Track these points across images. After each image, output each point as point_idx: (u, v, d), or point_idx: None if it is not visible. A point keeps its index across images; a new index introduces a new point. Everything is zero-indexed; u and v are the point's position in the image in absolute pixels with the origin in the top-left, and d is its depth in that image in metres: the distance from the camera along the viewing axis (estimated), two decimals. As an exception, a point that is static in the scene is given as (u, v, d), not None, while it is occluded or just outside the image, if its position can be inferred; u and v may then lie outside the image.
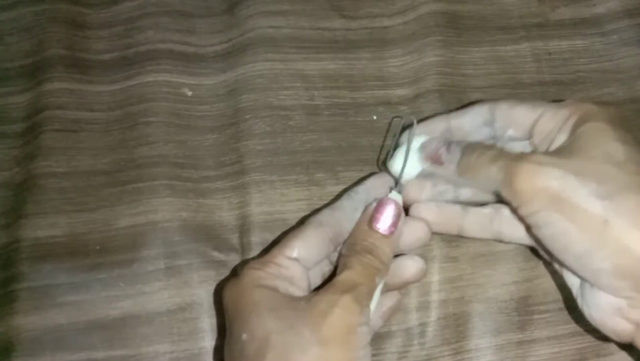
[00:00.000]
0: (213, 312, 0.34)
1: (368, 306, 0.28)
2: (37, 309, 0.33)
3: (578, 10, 0.41)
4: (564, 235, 0.26)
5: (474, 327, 0.34)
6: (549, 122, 0.29)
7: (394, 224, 0.29)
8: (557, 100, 0.32)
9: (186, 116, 0.37)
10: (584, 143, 0.27)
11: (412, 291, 0.35)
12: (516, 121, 0.31)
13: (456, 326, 0.34)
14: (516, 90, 0.39)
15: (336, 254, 0.31)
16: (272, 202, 0.35)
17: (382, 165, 0.35)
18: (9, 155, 0.37)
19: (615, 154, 0.26)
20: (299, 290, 0.28)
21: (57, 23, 0.39)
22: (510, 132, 0.31)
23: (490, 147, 0.29)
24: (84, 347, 0.33)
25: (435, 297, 0.35)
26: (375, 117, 0.38)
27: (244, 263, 0.32)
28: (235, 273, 0.30)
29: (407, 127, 0.33)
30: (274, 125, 0.37)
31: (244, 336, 0.26)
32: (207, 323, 0.34)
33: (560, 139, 0.29)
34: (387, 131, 0.37)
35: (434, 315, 0.34)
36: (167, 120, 0.37)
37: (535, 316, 0.35)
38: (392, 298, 0.32)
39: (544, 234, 0.27)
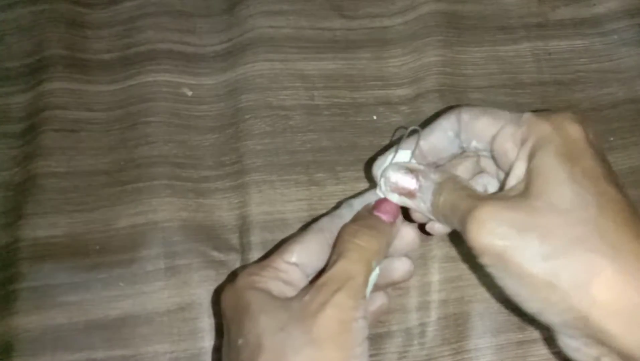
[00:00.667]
0: (213, 312, 0.34)
1: (364, 298, 0.27)
2: (37, 309, 0.33)
3: (578, 10, 0.41)
4: (515, 292, 0.26)
5: (474, 327, 0.34)
6: (506, 140, 0.28)
7: (395, 215, 0.29)
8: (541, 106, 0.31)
9: (186, 116, 0.37)
10: (532, 186, 0.26)
11: (412, 291, 0.34)
12: (478, 134, 0.29)
13: (456, 326, 0.34)
14: (516, 90, 0.39)
15: None
16: (272, 202, 0.35)
17: (367, 167, 0.35)
18: (9, 155, 0.37)
19: (560, 201, 0.25)
20: (295, 292, 0.28)
21: (57, 23, 0.39)
22: (474, 145, 0.29)
23: (451, 190, 0.27)
24: (84, 347, 0.33)
25: (435, 297, 0.35)
26: (375, 117, 0.38)
27: (243, 267, 0.32)
28: (233, 277, 0.30)
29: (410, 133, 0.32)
30: (274, 125, 0.37)
31: (240, 341, 0.26)
32: (207, 323, 0.34)
33: (519, 169, 0.27)
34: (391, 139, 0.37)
35: (434, 315, 0.34)
36: (167, 120, 0.37)
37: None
38: (380, 299, 0.31)
39: (499, 284, 0.26)
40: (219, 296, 0.29)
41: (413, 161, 0.30)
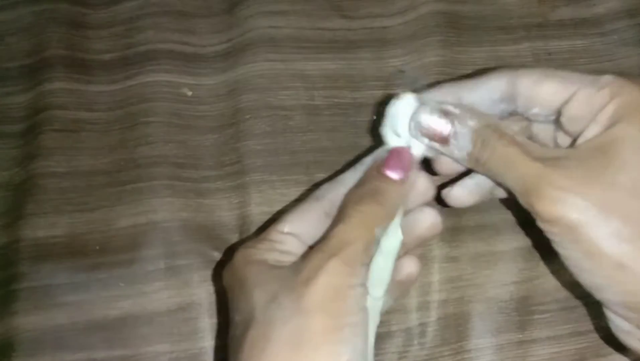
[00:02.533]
0: (213, 312, 0.34)
1: (363, 265, 0.25)
2: (37, 309, 0.33)
3: (578, 10, 0.41)
4: (578, 264, 0.25)
5: (474, 327, 0.34)
6: (583, 105, 0.25)
7: (406, 170, 0.27)
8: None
9: (186, 116, 0.37)
10: (614, 158, 0.24)
11: (412, 291, 0.34)
12: (543, 100, 0.26)
13: (456, 326, 0.34)
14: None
15: None
16: (272, 202, 0.35)
17: (373, 134, 0.34)
18: (9, 155, 0.37)
19: None
20: (293, 260, 0.26)
21: (57, 23, 0.39)
22: (535, 111, 0.27)
23: (505, 144, 0.25)
24: (84, 347, 0.33)
25: (435, 297, 0.35)
26: (375, 117, 0.38)
27: (240, 243, 0.32)
28: (231, 253, 0.29)
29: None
30: (274, 125, 0.37)
31: (236, 317, 0.25)
32: (207, 323, 0.34)
33: (593, 131, 0.25)
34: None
35: (434, 315, 0.34)
36: (167, 120, 0.37)
37: (535, 316, 0.35)
38: (408, 266, 0.29)
39: (561, 253, 0.25)
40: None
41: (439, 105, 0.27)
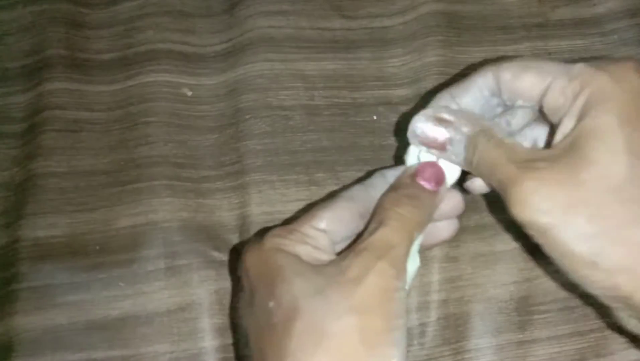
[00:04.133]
0: (213, 312, 0.34)
1: (405, 269, 0.25)
2: (37, 309, 0.33)
3: (578, 10, 0.41)
4: (557, 263, 0.25)
5: (474, 327, 0.34)
6: (558, 96, 0.25)
7: (439, 182, 0.27)
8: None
9: (186, 116, 0.37)
10: (583, 151, 0.23)
11: (412, 291, 0.34)
12: (523, 93, 0.26)
13: (456, 327, 0.34)
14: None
15: None
16: (272, 202, 0.35)
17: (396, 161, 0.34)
18: (9, 155, 0.37)
19: (613, 174, 0.23)
20: (325, 256, 0.26)
21: (57, 23, 0.39)
22: (520, 103, 0.27)
23: (490, 148, 0.26)
24: (84, 347, 0.33)
25: (435, 297, 0.35)
26: (375, 117, 0.38)
27: (266, 230, 0.31)
28: (256, 239, 0.29)
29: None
30: (274, 125, 0.37)
31: (271, 303, 0.24)
32: (207, 323, 0.34)
33: (566, 126, 0.25)
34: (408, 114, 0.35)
35: (434, 315, 0.34)
36: (167, 120, 0.37)
37: (535, 316, 0.35)
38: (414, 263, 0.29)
39: (545, 252, 0.25)
40: (235, 255, 0.27)
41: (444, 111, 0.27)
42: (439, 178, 0.28)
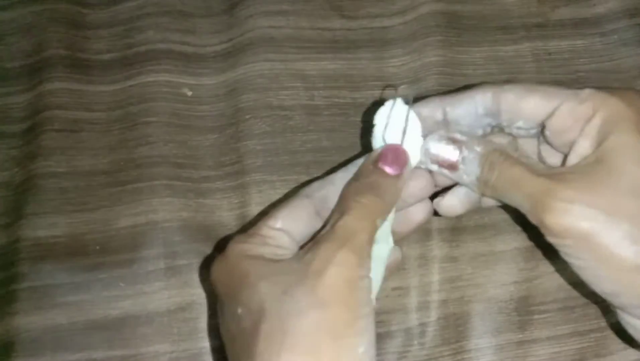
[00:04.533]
0: (213, 312, 0.34)
1: (369, 256, 0.25)
2: (37, 309, 0.33)
3: (578, 10, 0.41)
4: (593, 273, 0.25)
5: (474, 327, 0.34)
6: (566, 118, 0.26)
7: (401, 165, 0.27)
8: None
9: (186, 116, 0.37)
10: (613, 167, 0.25)
11: (412, 291, 0.35)
12: (527, 114, 0.27)
13: (456, 327, 0.34)
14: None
15: None
16: (272, 202, 0.35)
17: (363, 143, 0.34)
18: (9, 155, 0.37)
19: None
20: (289, 254, 0.26)
21: (57, 23, 0.39)
22: (519, 124, 0.28)
23: (510, 164, 0.26)
24: (84, 347, 0.33)
25: (435, 297, 0.35)
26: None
27: (227, 238, 0.31)
28: (220, 249, 0.29)
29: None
30: (274, 125, 0.37)
31: (239, 310, 0.24)
32: (207, 323, 0.34)
33: (583, 147, 0.26)
34: (377, 103, 0.35)
35: (434, 315, 0.34)
36: (167, 120, 0.37)
37: (535, 316, 0.35)
38: (393, 253, 0.29)
39: (573, 264, 0.26)
40: (207, 270, 0.27)
41: (413, 115, 0.28)
42: (402, 161, 0.27)
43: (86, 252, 0.34)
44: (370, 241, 0.25)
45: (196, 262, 0.34)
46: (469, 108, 0.28)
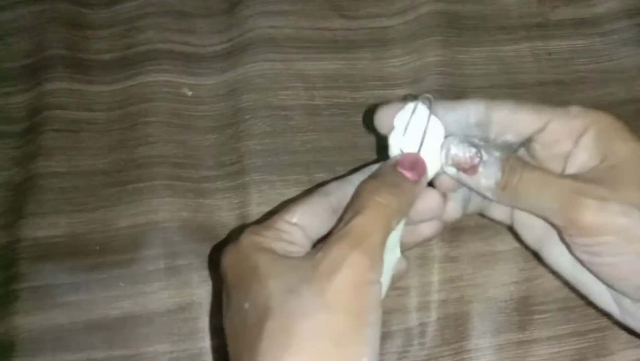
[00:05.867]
0: (214, 311, 0.34)
1: (381, 260, 0.24)
2: (37, 309, 0.33)
3: (578, 10, 0.41)
4: (630, 267, 0.26)
5: (474, 327, 0.34)
6: (556, 132, 0.28)
7: (420, 173, 0.27)
8: (560, 101, 0.31)
9: (186, 116, 0.37)
10: (630, 169, 0.27)
11: (412, 291, 0.35)
12: (517, 128, 0.28)
13: (456, 327, 0.34)
14: (516, 90, 0.39)
15: None
16: (272, 202, 0.35)
17: (380, 154, 0.34)
18: (9, 155, 0.37)
19: None
20: (302, 251, 0.26)
21: (57, 23, 0.39)
22: (508, 138, 0.29)
23: (532, 168, 0.27)
24: (84, 347, 0.33)
25: (435, 297, 0.35)
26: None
27: (241, 228, 0.31)
28: (232, 237, 0.29)
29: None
30: (274, 125, 0.37)
31: (246, 305, 0.24)
32: (207, 323, 0.34)
33: (581, 157, 0.28)
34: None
35: (434, 315, 0.34)
36: (167, 120, 0.37)
37: (535, 316, 0.35)
38: (398, 263, 0.29)
39: (604, 262, 0.27)
40: (214, 257, 0.27)
41: (437, 122, 0.28)
42: (421, 169, 0.28)
43: (86, 252, 0.34)
44: (384, 243, 0.25)
45: (196, 262, 0.34)
46: (461, 116, 0.28)
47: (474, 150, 0.27)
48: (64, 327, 0.33)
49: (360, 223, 0.24)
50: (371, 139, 0.37)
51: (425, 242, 0.30)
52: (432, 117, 0.28)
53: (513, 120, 0.28)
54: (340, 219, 0.26)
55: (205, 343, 0.34)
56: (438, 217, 0.29)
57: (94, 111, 0.38)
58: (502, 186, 0.27)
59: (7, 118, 0.38)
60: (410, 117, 0.28)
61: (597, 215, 0.25)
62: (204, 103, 0.38)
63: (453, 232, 0.35)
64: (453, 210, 0.29)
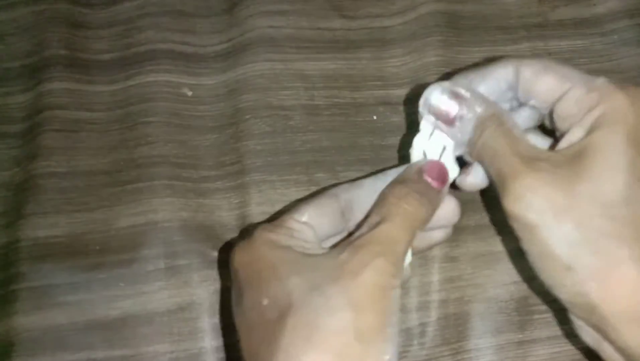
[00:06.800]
0: (213, 312, 0.34)
1: (402, 267, 0.25)
2: (37, 309, 0.33)
3: (578, 10, 0.41)
4: (534, 263, 0.26)
5: (474, 327, 0.34)
6: (572, 105, 0.26)
7: (444, 182, 0.27)
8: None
9: (186, 116, 0.37)
10: (586, 162, 0.24)
11: (412, 291, 0.34)
12: (539, 94, 0.27)
13: (456, 326, 0.34)
14: (516, 90, 0.39)
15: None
16: (272, 202, 0.35)
17: (402, 159, 0.34)
18: (9, 155, 0.37)
19: (609, 191, 0.24)
20: (316, 249, 0.26)
21: (57, 23, 0.39)
22: (532, 103, 0.27)
23: (499, 133, 0.26)
24: (84, 347, 0.33)
25: (435, 297, 0.35)
26: (375, 117, 0.38)
27: (252, 226, 0.30)
28: (243, 236, 0.29)
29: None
30: (274, 125, 0.37)
31: (265, 301, 0.24)
32: (207, 323, 0.34)
33: (576, 135, 0.25)
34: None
35: (434, 315, 0.34)
36: (167, 120, 0.37)
37: (535, 316, 0.35)
38: (407, 268, 0.29)
39: (523, 248, 0.26)
40: (225, 252, 0.27)
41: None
42: (444, 178, 0.28)
43: (86, 251, 0.34)
44: (406, 251, 0.25)
45: (196, 262, 0.34)
46: (493, 85, 0.28)
47: (453, 102, 0.27)
48: (63, 327, 0.33)
49: (388, 230, 0.25)
50: (371, 139, 0.37)
51: (435, 246, 0.31)
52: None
53: (535, 85, 0.27)
54: (362, 221, 0.26)
55: (205, 343, 0.34)
56: (452, 224, 0.29)
57: (94, 111, 0.38)
58: (472, 145, 0.27)
59: (7, 118, 0.38)
60: (437, 121, 0.28)
61: (515, 204, 0.25)
62: (204, 103, 0.38)
63: (453, 231, 0.35)
64: (475, 182, 0.29)
